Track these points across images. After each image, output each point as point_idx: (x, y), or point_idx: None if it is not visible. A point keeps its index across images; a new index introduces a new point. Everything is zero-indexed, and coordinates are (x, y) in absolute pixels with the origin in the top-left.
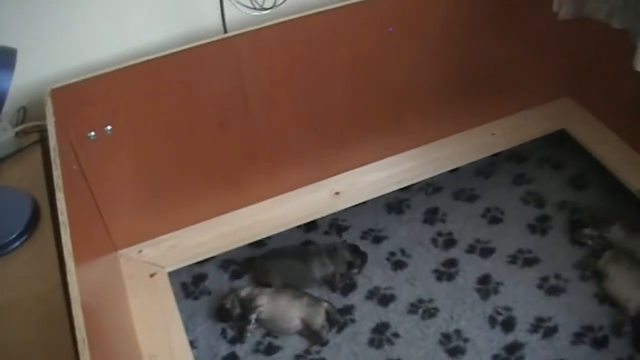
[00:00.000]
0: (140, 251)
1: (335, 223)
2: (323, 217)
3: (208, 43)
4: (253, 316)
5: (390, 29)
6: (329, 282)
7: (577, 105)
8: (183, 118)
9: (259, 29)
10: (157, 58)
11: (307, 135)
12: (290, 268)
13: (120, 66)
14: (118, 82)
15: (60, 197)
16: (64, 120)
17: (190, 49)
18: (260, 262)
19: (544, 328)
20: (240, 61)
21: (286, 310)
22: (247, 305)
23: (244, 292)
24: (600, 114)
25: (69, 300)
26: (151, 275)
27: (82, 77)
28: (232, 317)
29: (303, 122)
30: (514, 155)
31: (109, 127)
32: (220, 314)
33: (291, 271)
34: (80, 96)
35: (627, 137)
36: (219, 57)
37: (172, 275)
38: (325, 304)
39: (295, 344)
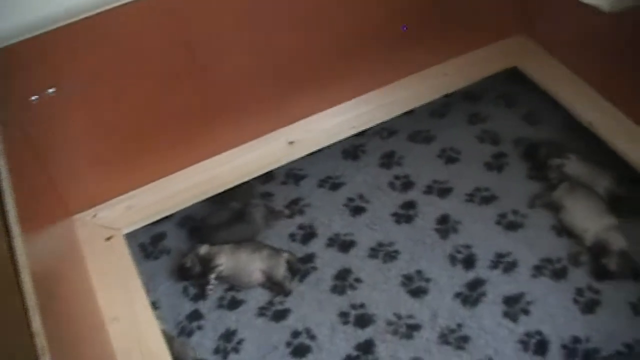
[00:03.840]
0: (94, 215)
1: (292, 172)
2: (280, 167)
3: None
4: (212, 276)
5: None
6: (272, 215)
7: (529, 42)
8: (130, 74)
9: None
10: (95, 15)
11: (259, 85)
12: (233, 229)
13: (57, 25)
14: (57, 42)
15: (1, 163)
16: (3, 85)
17: (127, 4)
18: (205, 233)
19: (504, 263)
20: (184, 13)
21: (247, 264)
22: (207, 265)
23: (203, 251)
24: (552, 49)
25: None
26: (108, 239)
27: (19, 39)
28: (192, 275)
29: (254, 72)
30: (468, 95)
31: (51, 90)
32: (181, 273)
33: (235, 230)
34: (18, 59)
35: (580, 71)
36: (159, 9)
37: (130, 236)
38: (285, 254)
39: (258, 296)
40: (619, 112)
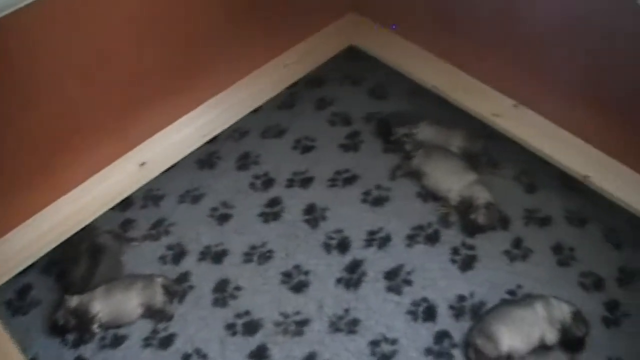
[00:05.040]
0: None
1: (150, 194)
2: (136, 191)
3: None
4: (94, 326)
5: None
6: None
7: (361, 19)
8: None
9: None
10: None
11: (97, 113)
12: (99, 273)
13: None
14: None
15: None
16: None
17: None
18: (76, 287)
19: (377, 240)
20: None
21: (124, 303)
22: (83, 317)
23: (74, 302)
24: (385, 22)
25: None
26: None
27: None
28: (68, 330)
29: (87, 101)
30: (312, 81)
31: None
32: (55, 331)
33: (102, 272)
34: None
35: (414, 39)
36: None
37: None
38: (159, 279)
39: (140, 328)
40: (459, 70)
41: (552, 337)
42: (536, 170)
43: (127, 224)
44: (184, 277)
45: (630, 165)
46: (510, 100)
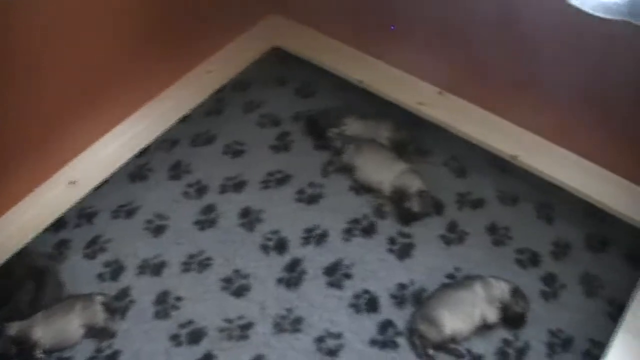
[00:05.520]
0: None
1: (84, 212)
2: (68, 211)
3: None
4: (38, 352)
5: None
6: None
7: (284, 20)
8: None
9: None
10: None
11: (19, 135)
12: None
13: None
14: None
15: None
16: None
17: None
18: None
19: (314, 237)
20: None
21: (66, 327)
22: (24, 344)
23: (13, 330)
24: (306, 20)
25: None
26: None
27: None
28: (10, 359)
29: (11, 120)
30: (238, 85)
31: None
32: None
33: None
34: None
35: (337, 35)
36: None
37: None
38: (98, 298)
39: (84, 348)
40: (382, 63)
41: (492, 315)
42: (465, 155)
43: (62, 244)
44: (124, 292)
45: (557, 142)
46: (434, 88)
